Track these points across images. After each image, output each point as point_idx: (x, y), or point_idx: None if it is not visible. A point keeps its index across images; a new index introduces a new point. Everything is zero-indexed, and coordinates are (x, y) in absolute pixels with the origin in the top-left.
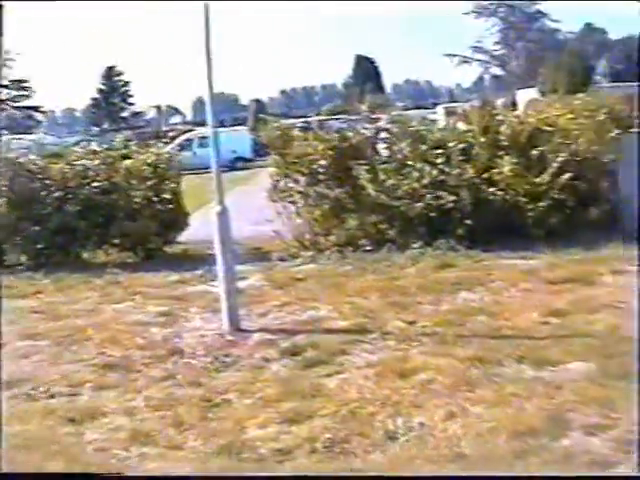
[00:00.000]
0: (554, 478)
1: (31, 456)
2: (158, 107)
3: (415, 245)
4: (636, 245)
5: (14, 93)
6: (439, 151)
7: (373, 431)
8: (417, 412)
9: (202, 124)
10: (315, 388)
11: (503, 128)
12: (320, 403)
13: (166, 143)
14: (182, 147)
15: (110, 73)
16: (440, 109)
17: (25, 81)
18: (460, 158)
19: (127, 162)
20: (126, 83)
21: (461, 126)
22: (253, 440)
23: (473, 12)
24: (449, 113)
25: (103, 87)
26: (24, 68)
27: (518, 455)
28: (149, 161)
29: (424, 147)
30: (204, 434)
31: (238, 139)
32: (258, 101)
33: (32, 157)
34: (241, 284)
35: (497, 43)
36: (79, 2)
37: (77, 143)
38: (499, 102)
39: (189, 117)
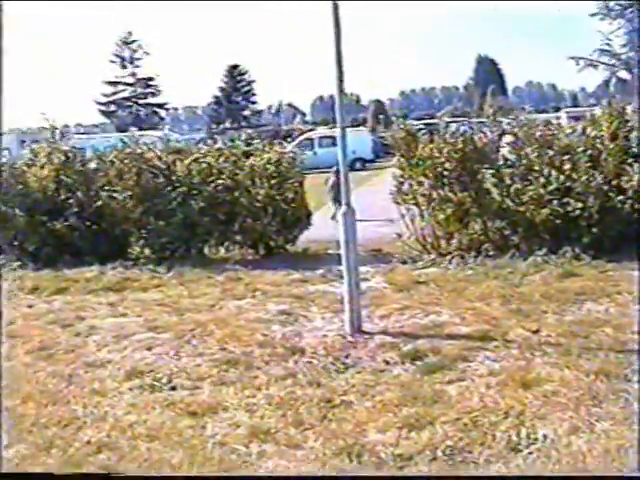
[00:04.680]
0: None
1: (151, 445)
2: (279, 106)
3: (539, 252)
4: None
5: (139, 90)
6: (566, 157)
7: (495, 441)
8: (540, 424)
9: (321, 123)
10: (436, 394)
11: (633, 134)
12: (441, 410)
13: (288, 142)
14: (303, 146)
15: (233, 72)
16: (563, 113)
17: (152, 79)
18: (588, 164)
19: (251, 160)
20: (249, 82)
21: (589, 131)
22: (373, 444)
23: (599, 14)
24: (572, 118)
25: (225, 85)
26: (150, 66)
27: None
28: (273, 160)
29: (551, 152)
30: (324, 435)
31: (358, 140)
32: (378, 102)
33: (158, 153)
34: (362, 285)
35: (624, 46)
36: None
37: (201, 140)
38: (629, 107)
39: (308, 116)
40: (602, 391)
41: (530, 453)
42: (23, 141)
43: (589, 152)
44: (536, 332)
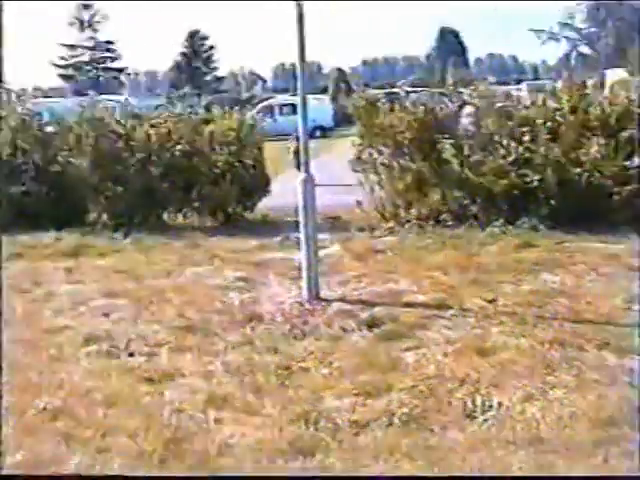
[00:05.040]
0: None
1: (108, 411)
2: (240, 72)
3: (497, 222)
4: None
5: (99, 54)
6: (526, 128)
7: (451, 408)
8: (496, 392)
9: (282, 91)
10: (393, 361)
11: (592, 108)
12: (397, 377)
13: (248, 109)
14: (263, 113)
15: (193, 37)
16: (524, 86)
17: (111, 43)
18: (547, 137)
19: (211, 127)
20: (210, 48)
21: (550, 104)
22: (329, 410)
23: None
24: (533, 90)
25: (186, 51)
26: (110, 30)
27: (598, 443)
28: (233, 126)
29: (511, 124)
30: (281, 401)
31: (319, 108)
32: (340, 70)
33: (117, 118)
34: (320, 253)
35: (586, 21)
36: None
37: (161, 106)
38: (590, 82)
39: (270, 83)
40: (556, 360)
41: (485, 420)
42: None
43: (548, 124)
44: (492, 301)
